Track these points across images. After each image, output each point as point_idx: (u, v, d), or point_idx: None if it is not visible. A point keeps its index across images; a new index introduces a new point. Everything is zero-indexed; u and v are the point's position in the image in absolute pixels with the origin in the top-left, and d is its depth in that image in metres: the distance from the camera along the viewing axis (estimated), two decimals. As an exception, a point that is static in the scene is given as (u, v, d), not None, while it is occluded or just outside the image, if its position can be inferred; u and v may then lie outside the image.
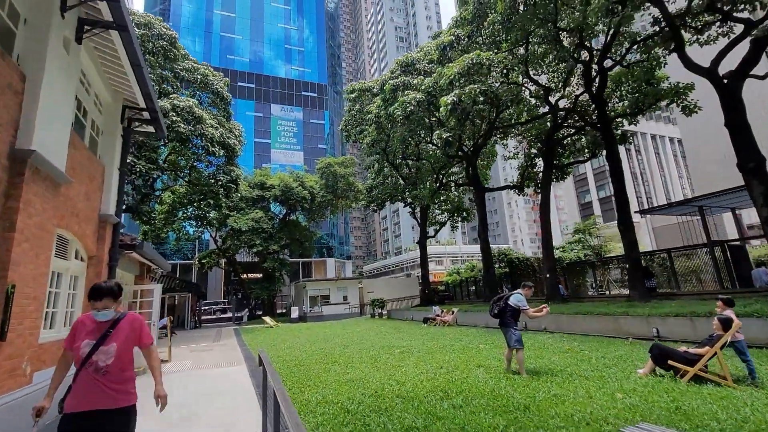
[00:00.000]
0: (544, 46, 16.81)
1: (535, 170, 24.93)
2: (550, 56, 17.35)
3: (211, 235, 33.20)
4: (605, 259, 26.36)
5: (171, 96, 17.46)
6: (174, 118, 16.62)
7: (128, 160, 15.80)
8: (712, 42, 14.16)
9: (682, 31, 13.41)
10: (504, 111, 19.03)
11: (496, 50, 15.21)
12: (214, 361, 10.44)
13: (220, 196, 21.26)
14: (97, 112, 7.64)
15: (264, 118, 58.75)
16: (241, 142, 21.58)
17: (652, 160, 73.14)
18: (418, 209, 32.14)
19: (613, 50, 17.09)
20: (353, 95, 27.09)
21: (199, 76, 19.77)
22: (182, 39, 34.89)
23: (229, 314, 38.50)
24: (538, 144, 22.51)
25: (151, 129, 9.36)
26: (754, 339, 7.93)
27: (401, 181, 28.94)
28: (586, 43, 16.04)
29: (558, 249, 35.76)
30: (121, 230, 8.58)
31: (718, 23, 12.61)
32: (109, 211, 7.55)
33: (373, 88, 26.39)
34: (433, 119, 21.40)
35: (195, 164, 22.29)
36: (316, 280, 32.59)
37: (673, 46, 13.30)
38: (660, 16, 15.86)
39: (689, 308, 10.72)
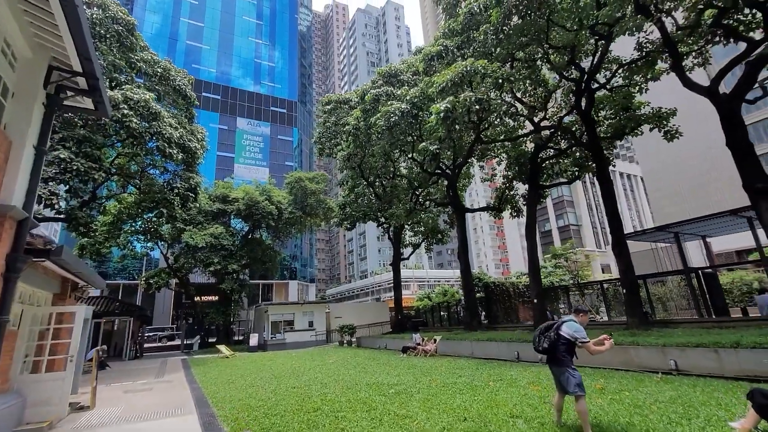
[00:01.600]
0: (528, 64, 16.45)
1: (512, 192, 24.43)
2: (534, 75, 17.00)
3: (161, 252, 29.76)
4: (582, 284, 25.96)
5: (124, 87, 15.17)
6: (125, 112, 14.32)
7: (64, 156, 13.25)
8: (706, 63, 14.23)
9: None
10: (489, 127, 18.33)
11: (487, 61, 14.48)
12: (153, 408, 8.03)
13: (176, 206, 18.69)
14: (5, 65, 5.59)
15: (229, 132, 55.91)
16: (203, 147, 19.35)
17: (621, 197, 76.67)
18: (391, 229, 30.72)
19: (600, 72, 16.92)
20: (329, 107, 25.72)
21: (159, 70, 17.58)
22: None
23: (178, 341, 34.39)
24: (517, 166, 22.04)
25: (88, 104, 7.29)
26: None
27: (375, 199, 27.51)
28: (577, 60, 15.76)
29: (524, 275, 35.46)
30: (33, 231, 6.35)
31: (720, 41, 12.46)
32: (12, 201, 5.40)
33: (351, 100, 25.20)
34: (415, 134, 20.40)
35: (148, 170, 19.69)
36: (280, 304, 29.82)
37: (670, 64, 13.08)
38: (644, 42, 15.99)
39: (708, 337, 9.77)
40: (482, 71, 13.63)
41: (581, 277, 30.53)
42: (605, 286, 22.49)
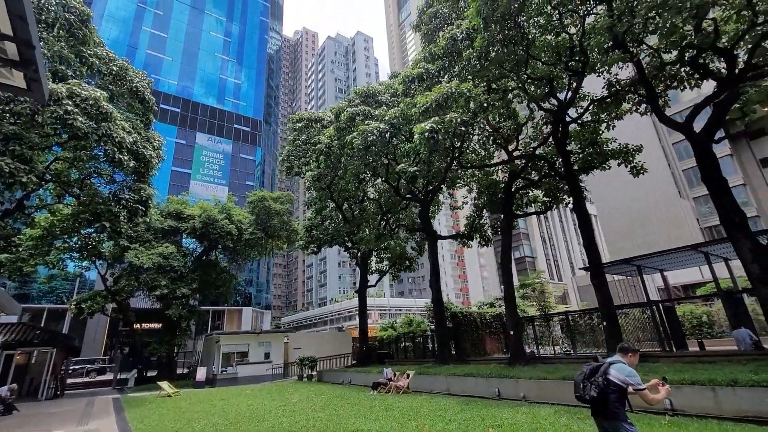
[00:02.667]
0: (501, 95, 16.62)
1: (482, 221, 24.34)
2: (506, 108, 17.21)
3: (99, 273, 26.43)
4: (549, 315, 25.90)
5: (70, 81, 13.35)
6: (69, 108, 12.49)
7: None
8: (666, 105, 14.95)
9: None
10: (462, 153, 18.15)
11: (472, 85, 14.35)
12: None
13: (122, 220, 16.51)
14: None
15: (186, 147, 52.90)
16: (159, 156, 17.52)
17: (571, 230, 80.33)
18: (359, 254, 29.51)
19: (572, 107, 17.36)
20: (300, 125, 24.74)
21: (114, 68, 15.82)
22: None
23: (110, 376, 30.22)
24: (487, 195, 22.03)
25: (18, 81, 5.81)
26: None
27: (343, 223, 26.36)
28: (556, 92, 16.09)
29: (485, 305, 35.28)
30: None
31: (690, 81, 13.05)
32: None
33: (323, 119, 24.42)
34: (391, 155, 19.84)
35: (91, 179, 17.43)
36: (233, 333, 27.17)
37: (646, 100, 13.53)
38: (613, 81, 16.70)
39: (701, 374, 9.46)
40: (467, 94, 13.38)
41: (548, 307, 30.69)
42: (569, 317, 22.52)
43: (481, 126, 17.08)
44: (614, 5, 12.65)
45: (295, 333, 32.89)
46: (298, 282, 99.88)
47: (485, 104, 13.48)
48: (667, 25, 10.36)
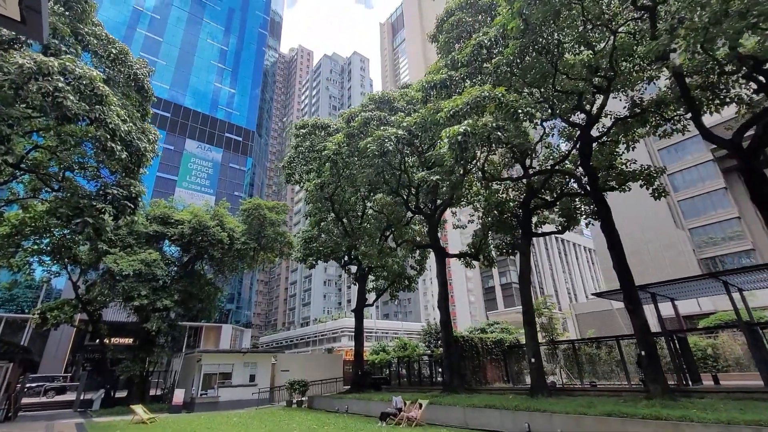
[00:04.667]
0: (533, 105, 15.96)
1: (488, 240, 23.35)
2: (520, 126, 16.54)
3: (70, 279, 23.94)
4: (557, 342, 24.69)
5: (63, 57, 11.86)
6: (60, 84, 10.96)
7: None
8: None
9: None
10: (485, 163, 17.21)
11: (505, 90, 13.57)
12: None
13: (106, 218, 14.70)
14: None
15: (175, 153, 50.83)
16: (153, 151, 15.93)
17: (556, 259, 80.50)
18: (358, 271, 27.92)
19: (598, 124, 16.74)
20: (304, 131, 23.53)
21: (113, 51, 14.39)
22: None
23: (72, 395, 27.11)
24: (493, 215, 21.15)
25: (11, 11, 4.41)
26: None
27: (344, 236, 24.90)
28: (585, 106, 15.48)
29: (476, 330, 33.75)
30: None
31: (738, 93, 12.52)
32: None
33: (330, 126, 23.30)
34: (407, 164, 18.82)
35: (73, 172, 15.63)
36: (217, 352, 24.83)
37: (689, 116, 12.94)
38: (640, 99, 16.27)
39: (751, 414, 8.42)
40: (500, 99, 12.51)
41: (557, 335, 29.56)
42: (577, 345, 21.42)
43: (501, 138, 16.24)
44: (659, 20, 12.19)
45: (283, 354, 30.58)
46: (280, 300, 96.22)
47: (519, 111, 12.64)
48: (729, 33, 9.71)
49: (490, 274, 78.44)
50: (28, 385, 26.68)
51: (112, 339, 29.31)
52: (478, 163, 17.30)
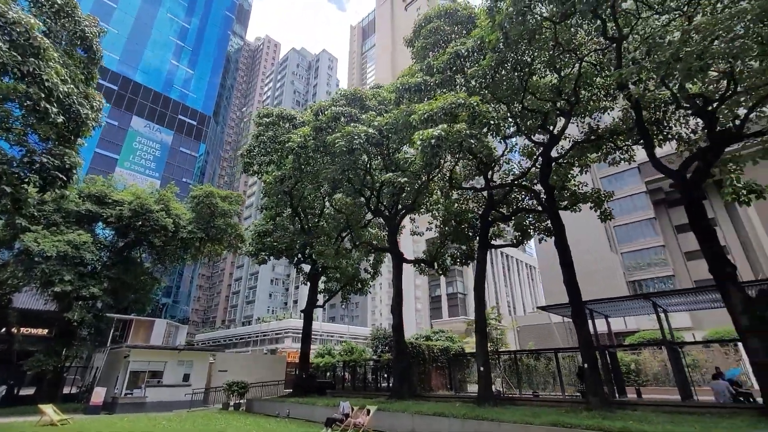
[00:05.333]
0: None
1: (443, 249, 23.69)
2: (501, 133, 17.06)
3: (-23, 257, 20.86)
4: (500, 353, 25.43)
5: (-7, -3, 10.25)
6: (-14, 28, 9.45)
7: None
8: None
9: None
10: (453, 171, 17.41)
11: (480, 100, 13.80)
12: None
13: (30, 188, 12.91)
14: None
15: (119, 129, 46.68)
16: (97, 120, 14.30)
17: (499, 273, 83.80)
18: (307, 271, 27.05)
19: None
20: (267, 120, 22.48)
21: (58, 1, 12.72)
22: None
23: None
24: (453, 224, 21.53)
25: None
26: None
27: (300, 233, 24.01)
28: (548, 126, 16.15)
29: (421, 337, 34.13)
30: None
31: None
32: None
33: (296, 118, 22.48)
34: (366, 168, 18.50)
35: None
36: (148, 348, 22.71)
37: (643, 145, 13.85)
38: (596, 126, 17.31)
39: (682, 427, 9.09)
40: (475, 108, 12.67)
41: (504, 345, 30.46)
42: (518, 356, 22.27)
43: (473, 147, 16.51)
44: (623, 56, 13.00)
45: (223, 353, 28.76)
46: (221, 296, 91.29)
47: (491, 122, 12.88)
48: (685, 71, 10.47)
49: (438, 284, 80.00)
50: None
51: (23, 329, 25.83)
52: (445, 171, 17.44)
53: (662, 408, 13.01)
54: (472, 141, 12.10)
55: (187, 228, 23.34)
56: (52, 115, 11.60)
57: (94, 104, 14.14)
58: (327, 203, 25.06)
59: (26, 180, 12.55)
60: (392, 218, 21.44)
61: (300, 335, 57.57)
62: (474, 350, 33.40)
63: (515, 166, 20.50)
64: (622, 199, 42.95)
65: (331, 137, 16.34)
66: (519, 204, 20.05)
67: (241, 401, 21.20)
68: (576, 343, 36.50)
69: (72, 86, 12.58)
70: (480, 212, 21.38)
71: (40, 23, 11.10)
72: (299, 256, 25.63)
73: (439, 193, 21.90)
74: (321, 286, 28.52)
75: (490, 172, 19.11)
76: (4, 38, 10.09)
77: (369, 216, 26.66)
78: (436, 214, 22.60)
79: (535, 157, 18.64)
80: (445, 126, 11.91)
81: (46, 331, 25.13)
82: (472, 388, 24.88)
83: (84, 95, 13.67)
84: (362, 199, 20.99)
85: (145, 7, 53.12)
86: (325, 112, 17.86)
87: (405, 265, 22.39)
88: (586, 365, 12.84)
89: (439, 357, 25.56)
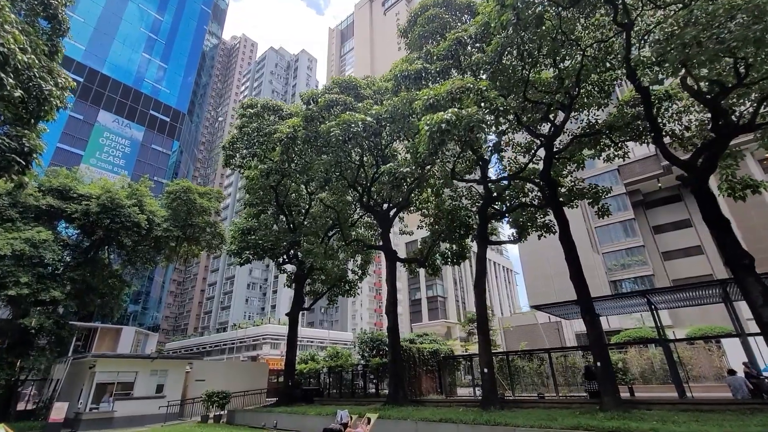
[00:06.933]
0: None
1: (436, 248, 22.99)
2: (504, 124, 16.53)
3: None
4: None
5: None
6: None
7: None
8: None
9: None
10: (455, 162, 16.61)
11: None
12: None
13: (-20, 173, 11.17)
14: None
15: (84, 123, 43.58)
16: (62, 100, 12.67)
17: (467, 272, 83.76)
18: (291, 272, 25.68)
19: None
20: (251, 110, 21.14)
21: (18, -40, 11.13)
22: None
23: None
24: (446, 221, 20.85)
25: None
26: None
27: (287, 231, 22.65)
28: (551, 117, 15.69)
29: (405, 341, 33.26)
30: None
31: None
32: None
33: (282, 109, 21.26)
34: (370, 153, 17.52)
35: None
36: (116, 357, 20.66)
37: (652, 137, 13.53)
38: (594, 122, 17.05)
39: (710, 426, 8.60)
40: (483, 92, 11.97)
41: (495, 346, 29.86)
42: (510, 357, 21.83)
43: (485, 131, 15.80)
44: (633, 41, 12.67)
45: (201, 361, 26.82)
46: (194, 303, 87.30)
47: (500, 108, 12.21)
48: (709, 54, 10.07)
49: (418, 286, 79.48)
50: None
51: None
52: (446, 161, 16.69)
53: (664, 406, 12.62)
54: (483, 126, 11.36)
55: (162, 226, 21.51)
56: (8, 87, 10.02)
57: (59, 81, 12.53)
58: (314, 201, 23.89)
59: (-25, 163, 10.84)
60: (386, 214, 20.52)
61: (278, 341, 55.67)
62: (462, 353, 32.73)
63: (512, 162, 20.01)
64: (603, 201, 43.72)
65: (325, 126, 15.27)
66: (516, 200, 19.54)
67: (222, 413, 19.56)
68: (562, 343, 36.41)
69: (33, 57, 11.01)
70: (474, 209, 20.84)
71: (-6, -19, 9.55)
72: (284, 256, 24.24)
73: (429, 191, 21.19)
74: (306, 288, 27.19)
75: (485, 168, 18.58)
76: (-51, -8, 8.53)
77: (357, 214, 25.68)
78: (427, 212, 21.89)
79: (533, 152, 18.26)
80: (455, 110, 11.12)
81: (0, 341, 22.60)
82: (462, 392, 24.21)
83: (48, 70, 12.07)
84: (355, 194, 19.98)
85: (115, -4, 50.31)
86: (318, 101, 16.78)
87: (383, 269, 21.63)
88: (598, 364, 12.26)
89: (428, 360, 24.74)
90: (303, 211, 24.39)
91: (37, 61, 11.25)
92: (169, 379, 20.61)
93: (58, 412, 16.51)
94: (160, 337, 74.94)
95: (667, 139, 15.48)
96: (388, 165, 14.48)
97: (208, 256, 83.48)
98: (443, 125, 10.88)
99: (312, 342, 60.30)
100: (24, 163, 11.66)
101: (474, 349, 46.49)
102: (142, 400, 19.26)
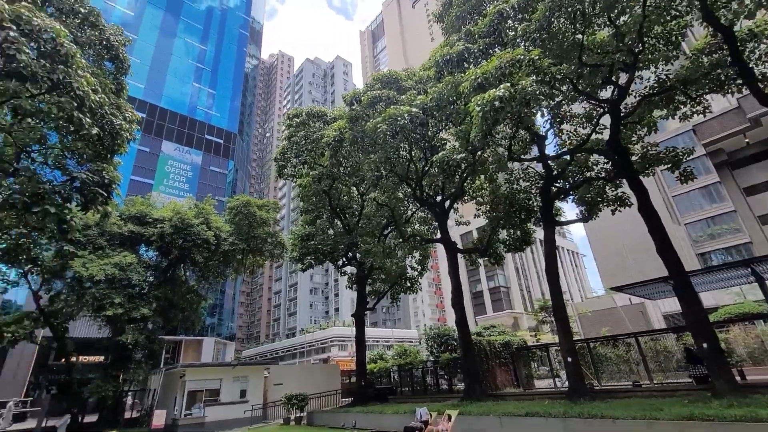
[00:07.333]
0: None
1: (496, 236, 21.95)
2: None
3: (30, 288, 20.96)
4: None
5: (20, 3, 9.68)
6: (12, 34, 8.82)
7: None
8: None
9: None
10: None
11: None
12: None
13: (73, 206, 12.41)
14: None
15: (150, 155, 47.73)
16: (131, 133, 13.70)
17: (542, 263, 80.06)
18: (353, 273, 25.95)
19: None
20: (297, 120, 21.62)
21: (82, 10, 12.24)
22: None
23: (32, 423, 23.80)
24: (504, 206, 19.74)
25: None
26: None
27: (343, 233, 22.94)
28: (614, 78, 14.27)
29: (478, 334, 32.17)
30: None
31: None
32: None
33: (326, 114, 21.52)
34: (422, 144, 17.13)
35: (30, 155, 13.27)
36: (202, 366, 22.24)
37: (744, 82, 11.81)
38: (664, 77, 15.21)
39: None
40: (536, 63, 11.08)
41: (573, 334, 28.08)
42: (591, 344, 20.16)
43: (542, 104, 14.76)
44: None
45: (277, 366, 28.06)
46: (263, 311, 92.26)
47: (558, 76, 11.25)
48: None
49: (478, 278, 77.29)
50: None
51: (80, 357, 26.10)
52: (497, 144, 15.85)
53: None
54: (540, 97, 10.50)
55: (228, 240, 22.77)
56: (87, 127, 10.96)
57: (127, 115, 13.56)
58: (366, 201, 23.99)
59: (68, 198, 12.00)
60: (441, 205, 20.00)
61: (345, 342, 56.93)
62: (534, 344, 31.08)
63: (570, 136, 18.55)
64: (684, 164, 39.52)
65: (371, 123, 15.13)
66: (580, 176, 18.04)
67: (302, 414, 20.21)
68: (648, 326, 33.39)
69: (103, 96, 11.96)
70: (533, 191, 19.65)
71: (67, 32, 10.46)
72: (343, 258, 24.59)
73: (482, 177, 20.29)
74: (367, 288, 27.39)
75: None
76: (31, 46, 9.45)
77: (410, 211, 25.36)
78: (482, 200, 21.03)
79: (595, 120, 16.80)
80: (508, 85, 10.39)
81: (102, 357, 25.22)
82: (540, 384, 22.95)
83: (116, 106, 13.09)
84: (407, 189, 19.68)
85: (163, 34, 54.48)
86: (361, 100, 16.71)
87: (444, 260, 20.95)
88: (704, 345, 10.84)
89: (500, 352, 23.77)
90: (356, 212, 24.58)
91: (107, 99, 12.22)
92: (250, 385, 21.71)
93: (159, 418, 18.00)
94: (236, 346, 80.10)
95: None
96: (439, 154, 13.99)
97: (271, 266, 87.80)
98: (496, 103, 10.21)
99: (377, 341, 60.99)
100: (106, 194, 12.74)
101: (545, 338, 44.16)
102: (229, 405, 20.44)
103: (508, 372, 24.03)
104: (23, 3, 9.57)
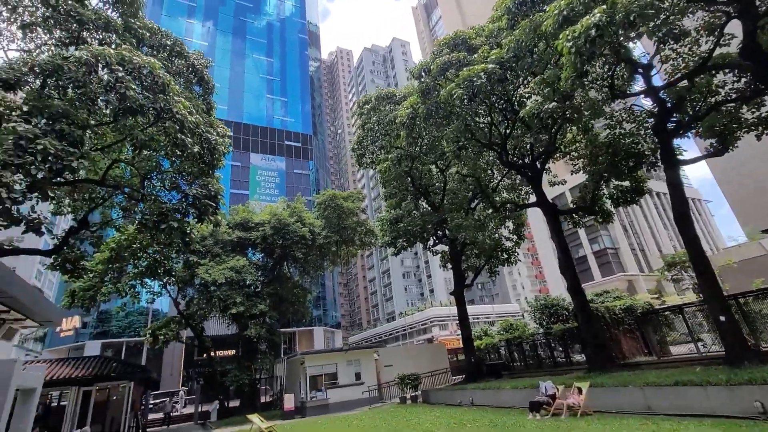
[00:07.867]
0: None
1: (600, 191, 19.44)
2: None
3: (170, 296, 24.49)
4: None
5: (121, 47, 10.92)
6: (120, 74, 9.92)
7: (22, 130, 8.68)
8: None
9: None
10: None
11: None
12: None
13: (191, 219, 13.94)
14: None
15: (243, 168, 52.51)
16: (225, 146, 14.83)
17: (654, 216, 70.98)
18: (446, 251, 25.44)
19: None
20: (368, 106, 21.58)
21: (168, 42, 13.53)
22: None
23: (189, 409, 28.15)
24: (606, 156, 17.21)
25: None
26: None
27: (430, 212, 22.53)
28: None
29: (590, 300, 29.12)
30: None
31: None
32: None
33: (395, 95, 21.11)
34: (501, 105, 15.82)
35: (150, 181, 15.18)
36: (318, 353, 23.91)
37: None
38: None
39: None
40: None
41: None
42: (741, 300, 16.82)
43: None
44: None
45: (384, 348, 29.11)
46: (361, 299, 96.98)
47: None
48: None
49: (579, 243, 70.58)
50: (152, 402, 28.13)
51: (217, 352, 29.98)
52: (589, 88, 13.82)
53: None
54: (650, 12, 8.66)
55: (322, 234, 23.92)
56: (189, 146, 12.06)
57: (219, 131, 14.68)
58: (447, 177, 23.22)
59: (185, 212, 13.48)
60: (531, 168, 18.37)
61: (445, 322, 56.99)
62: (660, 306, 27.42)
63: (684, 57, 15.45)
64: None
65: (445, 90, 14.29)
66: (703, 103, 14.94)
67: (416, 393, 20.58)
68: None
69: (198, 116, 13.05)
70: (642, 133, 16.97)
71: (159, 63, 11.56)
72: (433, 238, 24.23)
73: (575, 129, 18.08)
74: (462, 265, 26.69)
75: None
76: (136, 83, 10.57)
77: (495, 179, 23.92)
78: (577, 154, 18.82)
79: (717, 31, 13.69)
80: (604, 7, 8.79)
81: (233, 351, 28.49)
82: (676, 350, 20.18)
83: (209, 124, 14.24)
84: (490, 156, 18.44)
85: (235, 56, 59.03)
86: (430, 69, 15.91)
87: (538, 228, 19.02)
88: None
89: (623, 319, 21.37)
90: (439, 189, 23.95)
91: (201, 119, 13.32)
92: (362, 367, 22.74)
93: (289, 401, 19.79)
94: (342, 333, 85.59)
95: None
96: (526, 107, 12.64)
97: (362, 256, 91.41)
98: (592, 32, 8.71)
99: (478, 318, 59.96)
100: (214, 204, 14.05)
101: (671, 300, 38.79)
102: (347, 388, 21.67)
103: (635, 339, 21.65)
104: (124, 47, 10.71)
